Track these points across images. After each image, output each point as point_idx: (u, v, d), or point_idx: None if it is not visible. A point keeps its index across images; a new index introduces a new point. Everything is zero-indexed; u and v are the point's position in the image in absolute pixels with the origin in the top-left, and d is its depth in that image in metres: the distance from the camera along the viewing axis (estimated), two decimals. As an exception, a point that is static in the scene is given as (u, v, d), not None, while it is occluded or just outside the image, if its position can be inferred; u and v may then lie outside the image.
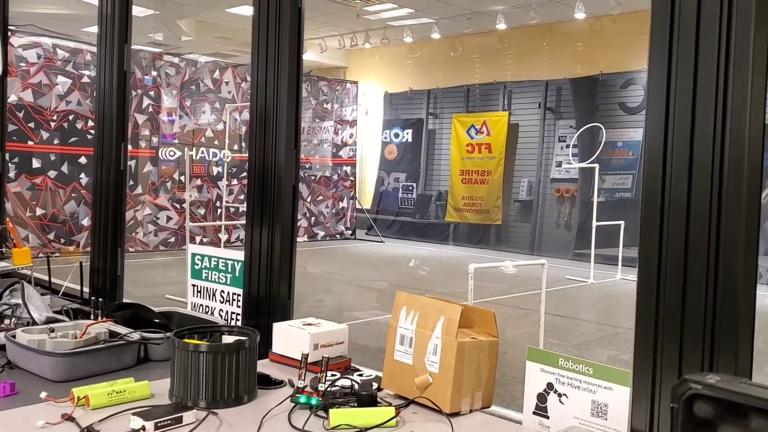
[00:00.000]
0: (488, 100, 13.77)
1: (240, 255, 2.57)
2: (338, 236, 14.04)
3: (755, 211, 1.55)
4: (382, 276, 9.56)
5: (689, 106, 1.59)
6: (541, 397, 1.79)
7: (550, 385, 1.78)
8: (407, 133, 14.83)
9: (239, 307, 2.58)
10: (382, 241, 13.57)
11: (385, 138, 15.19)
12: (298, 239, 13.27)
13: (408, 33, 13.37)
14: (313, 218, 13.62)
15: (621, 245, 9.76)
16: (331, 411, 1.67)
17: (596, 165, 9.92)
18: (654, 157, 1.64)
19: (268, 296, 2.43)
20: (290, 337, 2.12)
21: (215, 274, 2.70)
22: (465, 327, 1.89)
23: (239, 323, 2.52)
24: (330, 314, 6.49)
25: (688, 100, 1.59)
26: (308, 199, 13.50)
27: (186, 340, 1.85)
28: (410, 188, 14.63)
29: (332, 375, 1.97)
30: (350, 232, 14.25)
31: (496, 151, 13.21)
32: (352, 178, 14.40)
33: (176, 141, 11.45)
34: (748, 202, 1.53)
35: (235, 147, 11.01)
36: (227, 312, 2.63)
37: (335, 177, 14.06)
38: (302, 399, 1.76)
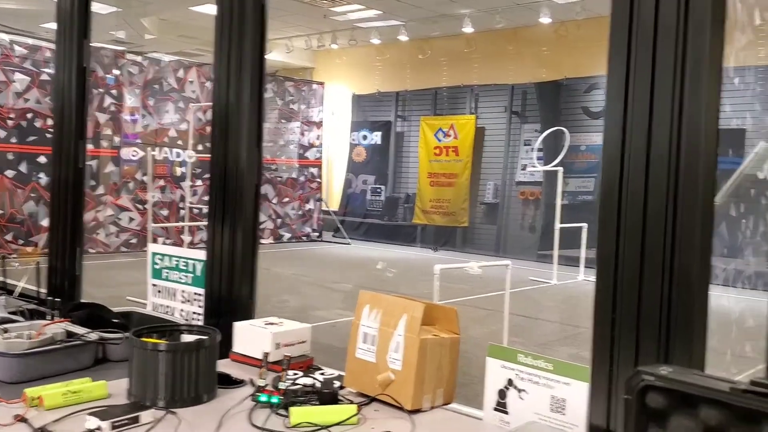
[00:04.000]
0: (456, 103, 13.87)
1: (201, 254, 2.54)
2: (304, 238, 13.98)
3: (709, 211, 1.59)
4: (348, 278, 9.54)
5: (646, 109, 1.62)
6: (502, 393, 1.81)
7: (510, 382, 1.79)
8: (376, 135, 14.84)
9: (201, 307, 2.55)
10: (348, 243, 13.56)
11: (353, 140, 15.17)
12: (264, 241, 13.19)
13: (375, 35, 13.39)
14: (279, 220, 13.53)
15: (584, 247, 9.91)
16: (291, 409, 1.66)
17: (560, 168, 10.05)
18: (611, 158, 1.67)
19: (230, 296, 2.41)
20: (251, 337, 2.11)
21: (176, 274, 2.66)
22: (428, 325, 1.90)
23: (201, 323, 2.50)
24: (294, 315, 6.45)
25: (645, 104, 1.63)
26: (274, 201, 13.42)
27: (145, 339, 1.82)
28: (378, 190, 14.64)
29: (294, 374, 1.96)
30: (317, 234, 14.20)
31: (463, 154, 13.31)
32: (318, 179, 14.36)
33: (139, 141, 11.28)
34: (703, 202, 1.57)
35: (200, 147, 10.88)
36: (188, 312, 2.60)
37: (302, 178, 14.00)
38: (263, 398, 1.75)
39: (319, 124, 14.33)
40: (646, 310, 1.61)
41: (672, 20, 1.58)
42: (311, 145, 14.21)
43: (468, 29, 12.35)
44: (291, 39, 14.11)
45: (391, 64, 14.63)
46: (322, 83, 14.65)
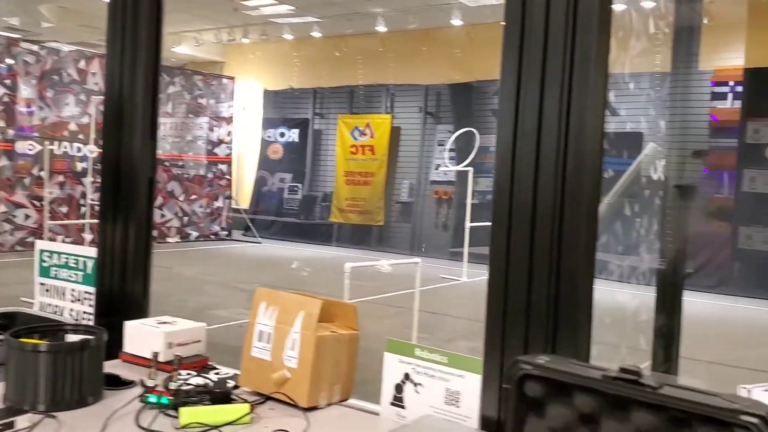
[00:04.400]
0: (372, 102, 13.91)
1: (92, 251, 2.43)
2: (213, 237, 13.66)
3: (594, 210, 1.65)
4: (259, 278, 9.39)
5: (536, 110, 1.67)
6: (398, 388, 1.81)
7: (407, 376, 1.80)
8: (293, 133, 14.67)
9: (91, 306, 2.43)
10: (259, 242, 13.35)
11: (270, 137, 14.94)
12: (170, 240, 12.79)
13: (288, 30, 13.24)
14: (186, 218, 13.15)
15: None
16: (181, 410, 1.60)
17: (470, 168, 10.27)
18: (503, 158, 1.71)
19: (123, 294, 2.31)
20: (143, 336, 2.03)
21: (66, 272, 2.53)
22: (326, 321, 1.88)
23: (91, 323, 2.38)
24: (193, 315, 6.29)
25: (535, 105, 1.67)
26: (181, 198, 13.03)
27: (24, 340, 1.71)
28: (296, 189, 14.50)
29: (188, 374, 1.90)
30: (226, 232, 13.90)
31: (379, 152, 13.37)
32: (228, 176, 14.05)
33: (35, 134, 10.69)
34: (588, 201, 1.63)
35: (102, 142, 10.42)
36: (78, 312, 2.48)
37: (210, 175, 13.66)
38: (152, 398, 1.68)
39: (229, 120, 14.02)
40: (535, 304, 1.65)
41: (561, 23, 1.63)
42: (221, 141, 13.89)
43: (381, 28, 12.42)
44: (200, 32, 13.75)
45: (306, 61, 14.51)
46: (232, 78, 14.35)
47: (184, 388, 1.76)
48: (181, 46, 14.06)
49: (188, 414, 1.59)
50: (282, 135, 14.79)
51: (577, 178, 1.62)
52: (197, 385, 1.78)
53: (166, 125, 12.84)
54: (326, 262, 11.20)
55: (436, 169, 13.07)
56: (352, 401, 1.89)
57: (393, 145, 13.42)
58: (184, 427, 1.57)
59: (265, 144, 14.95)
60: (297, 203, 14.43)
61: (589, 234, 1.62)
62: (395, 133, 13.50)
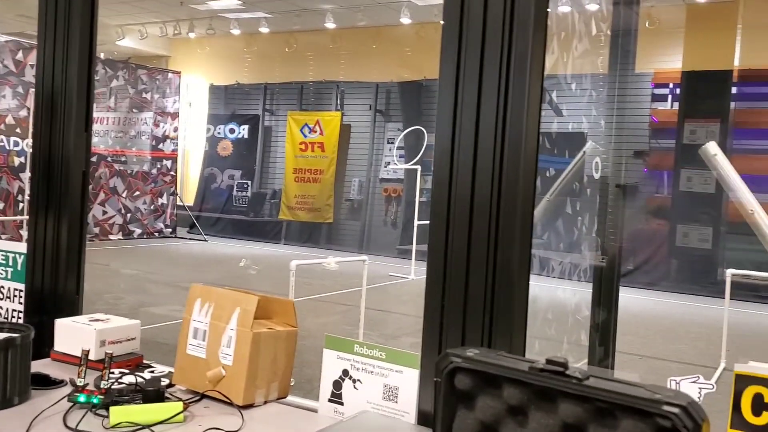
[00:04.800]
0: (322, 99, 13.85)
1: (22, 247, 2.34)
2: (157, 234, 13.37)
3: (530, 206, 1.67)
4: (204, 276, 9.24)
5: (474, 108, 1.68)
6: (337, 384, 1.80)
7: (345, 372, 1.79)
8: (243, 129, 14.47)
9: (21, 303, 2.35)
10: (205, 240, 13.13)
11: (219, 133, 14.70)
12: (112, 237, 12.46)
13: (235, 25, 13.06)
14: (128, 215, 12.84)
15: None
16: (111, 409, 1.56)
17: (419, 166, 10.32)
18: (442, 156, 1.71)
19: (54, 292, 2.23)
20: (74, 334, 1.96)
21: (-6, 269, 2.43)
22: (264, 318, 1.86)
23: (21, 321, 2.29)
24: (130, 313, 6.17)
25: (473, 103, 1.68)
26: (124, 194, 12.71)
27: (-57, 340, 1.64)
28: (245, 186, 14.31)
29: (121, 372, 1.85)
30: (170, 230, 13.63)
31: (328, 150, 13.31)
32: (173, 173, 13.77)
33: (-31, 127, 10.28)
34: (524, 197, 1.65)
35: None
36: (7, 309, 2.38)
37: (154, 171, 13.37)
38: (81, 398, 1.63)
39: (174, 115, 13.74)
40: (472, 299, 1.67)
41: (498, 23, 1.64)
42: (166, 137, 13.60)
43: (331, 25, 12.36)
44: (145, 25, 13.44)
45: (255, 56, 14.34)
46: (178, 72, 14.07)
47: (116, 387, 1.71)
48: (125, 39, 13.71)
49: (118, 413, 1.54)
50: (232, 131, 14.58)
51: (513, 176, 1.64)
52: (129, 384, 1.74)
53: (108, 120, 12.50)
54: (274, 260, 11.11)
55: (386, 166, 13.10)
56: (290, 398, 1.87)
57: (343, 142, 13.40)
58: (113, 426, 1.53)
59: (215, 140, 14.72)
60: (246, 200, 14.25)
61: (524, 230, 1.64)
62: (345, 130, 13.47)
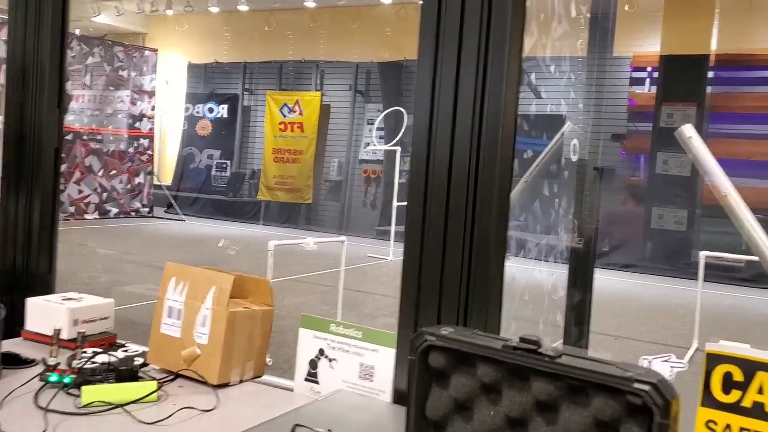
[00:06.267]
0: (301, 78, 13.73)
1: (-7, 225, 2.30)
2: (134, 214, 13.23)
3: (507, 186, 1.67)
4: (182, 256, 9.17)
5: (452, 89, 1.67)
6: (313, 363, 1.80)
7: (321, 351, 1.79)
8: (222, 109, 14.32)
9: (-8, 283, 2.31)
10: (182, 220, 13.03)
11: (198, 113, 14.53)
12: (88, 216, 12.26)
13: (214, 3, 12.86)
14: (105, 194, 12.67)
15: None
16: (83, 388, 1.54)
17: (398, 148, 10.30)
18: (420, 136, 1.71)
19: (26, 270, 2.20)
20: (46, 313, 1.94)
21: (-36, 247, 2.39)
22: (240, 297, 1.85)
23: (-8, 301, 2.26)
24: (104, 292, 6.12)
25: (451, 84, 1.67)
26: (100, 173, 12.53)
27: None
28: (224, 166, 14.20)
29: (94, 352, 1.83)
30: (147, 209, 13.49)
31: (308, 130, 13.23)
32: (150, 152, 13.60)
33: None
34: (501, 178, 1.65)
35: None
36: (-22, 289, 2.34)
37: (131, 150, 13.19)
38: (53, 377, 1.61)
39: (151, 94, 13.54)
40: (448, 278, 1.67)
41: (477, 3, 1.63)
42: (143, 116, 13.41)
43: (311, 3, 12.23)
44: (121, 1, 13.19)
45: (234, 35, 14.15)
46: (155, 50, 13.84)
47: (89, 366, 1.69)
48: (101, 15, 13.44)
49: (90, 392, 1.53)
50: (211, 111, 14.42)
51: (491, 157, 1.64)
52: (102, 363, 1.72)
53: (84, 97, 12.29)
54: (252, 241, 11.06)
55: (365, 147, 13.07)
56: (267, 377, 1.87)
57: (322, 122, 13.32)
58: (86, 405, 1.51)
59: (194, 119, 14.55)
60: (225, 180, 14.15)
61: (500, 210, 1.64)
62: (325, 110, 13.39)
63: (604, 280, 9.01)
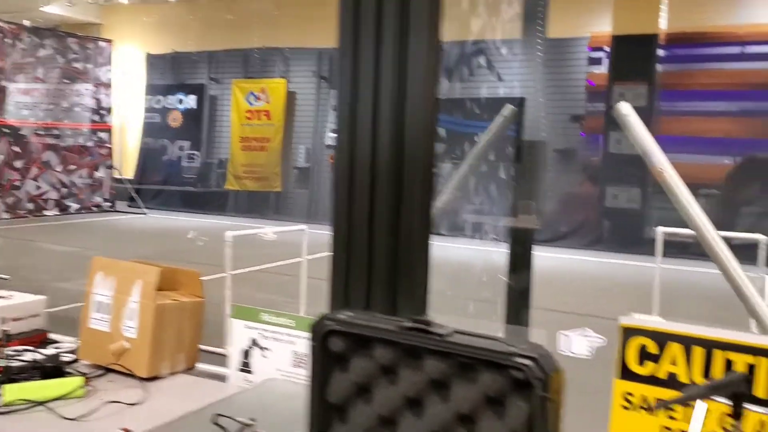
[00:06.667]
0: (266, 66, 13.59)
1: None
2: (95, 209, 13.01)
3: (429, 170, 1.67)
4: (143, 251, 9.06)
5: (371, 74, 1.67)
6: (246, 353, 1.81)
7: (254, 341, 1.79)
8: (191, 99, 14.16)
9: None
10: (144, 213, 12.86)
11: (170, 104, 14.35)
12: (47, 212, 12.00)
13: (170, -8, 12.65)
14: (64, 189, 12.44)
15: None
16: (4, 387, 1.52)
17: (360, 133, 10.27)
18: (344, 122, 1.71)
19: (-44, 270, 2.16)
20: (-27, 313, 1.90)
21: None
22: (169, 289, 1.84)
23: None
24: (54, 290, 6.02)
25: (371, 69, 1.67)
26: (58, 169, 12.29)
27: None
28: (194, 156, 14.06)
29: (25, 349, 1.81)
30: (109, 204, 13.28)
31: (275, 118, 13.13)
32: (109, 145, 13.37)
33: None
34: (423, 161, 1.65)
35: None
36: None
37: (90, 144, 12.95)
38: (-25, 378, 1.59)
39: (108, 86, 13.28)
40: (376, 262, 1.68)
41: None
42: (101, 108, 13.16)
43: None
44: (74, -9, 12.90)
45: (198, 24, 13.93)
46: (109, 41, 13.56)
47: (14, 364, 1.67)
48: (51, 5, 13.13)
49: (12, 391, 1.51)
50: (180, 101, 14.27)
51: (413, 141, 1.64)
52: (28, 361, 1.70)
53: (37, 91, 12.02)
54: (218, 233, 10.95)
55: (331, 133, 13.03)
56: (201, 367, 1.87)
57: (289, 109, 13.22)
58: (8, 404, 1.50)
59: (165, 111, 14.36)
60: (194, 171, 14.02)
61: (424, 194, 1.65)
62: (291, 97, 13.29)
63: (561, 259, 9.12)
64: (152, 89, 14.44)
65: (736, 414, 0.99)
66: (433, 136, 1.66)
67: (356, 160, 1.70)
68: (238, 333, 1.80)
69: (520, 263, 2.77)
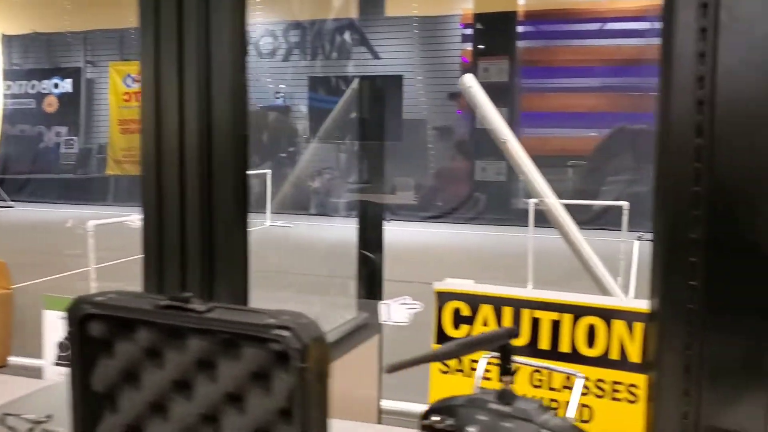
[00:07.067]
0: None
1: None
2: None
3: (242, 149, 1.62)
4: (12, 246, 8.47)
5: (175, 52, 1.60)
6: (63, 346, 1.69)
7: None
8: (67, 83, 13.39)
9: None
10: (11, 207, 12.02)
11: (44, 89, 13.48)
12: None
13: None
14: None
15: (269, 192, 10.07)
16: None
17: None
18: (148, 102, 1.62)
19: None
20: None
21: None
22: (-27, 283, 1.69)
23: None
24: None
25: (173, 47, 1.59)
26: None
27: None
28: (71, 142, 13.35)
29: None
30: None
31: (155, 99, 12.66)
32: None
33: None
34: (235, 140, 1.60)
35: None
36: None
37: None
38: None
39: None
40: (190, 246, 1.62)
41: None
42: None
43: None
44: None
45: (67, 1, 13.05)
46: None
47: None
48: None
49: None
50: (56, 86, 13.47)
51: (221, 119, 1.59)
52: None
53: None
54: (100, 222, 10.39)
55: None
56: (15, 359, 1.74)
57: (166, 90, 12.74)
58: None
59: (40, 96, 13.49)
60: (74, 158, 13.33)
61: (237, 173, 1.60)
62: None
63: (433, 234, 9.33)
64: (16, 74, 13.50)
65: (504, 369, 1.01)
66: (244, 113, 1.61)
67: (163, 140, 1.63)
68: (53, 325, 1.69)
69: (372, 238, 2.78)
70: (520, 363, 1.26)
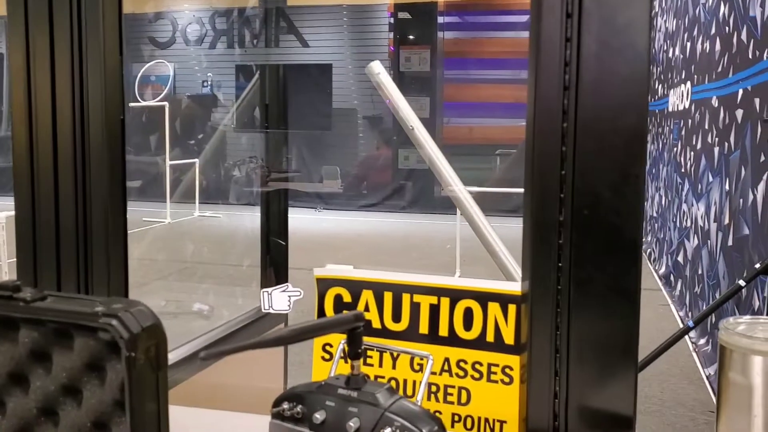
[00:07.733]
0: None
1: None
2: None
3: (118, 135, 1.56)
4: None
5: (47, 43, 1.52)
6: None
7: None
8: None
9: None
10: None
11: None
12: None
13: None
14: None
15: (197, 183, 9.88)
16: None
17: (165, 103, 9.79)
18: (20, 92, 1.54)
19: None
20: None
21: None
22: None
23: None
24: None
25: (46, 37, 1.52)
26: None
27: None
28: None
29: None
30: None
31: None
32: None
33: None
34: (108, 125, 1.55)
35: None
36: None
37: None
38: None
39: None
40: (64, 240, 1.58)
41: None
42: None
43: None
44: None
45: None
46: None
47: None
48: None
49: None
50: None
51: (95, 106, 1.53)
52: None
53: None
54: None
55: (130, 104, 12.34)
56: None
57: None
58: None
59: None
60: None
61: (113, 164, 1.55)
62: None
63: (359, 222, 9.35)
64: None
65: (354, 353, 1.00)
66: (121, 102, 1.54)
67: (35, 129, 1.57)
68: None
69: (275, 226, 2.75)
70: (373, 346, 1.25)
